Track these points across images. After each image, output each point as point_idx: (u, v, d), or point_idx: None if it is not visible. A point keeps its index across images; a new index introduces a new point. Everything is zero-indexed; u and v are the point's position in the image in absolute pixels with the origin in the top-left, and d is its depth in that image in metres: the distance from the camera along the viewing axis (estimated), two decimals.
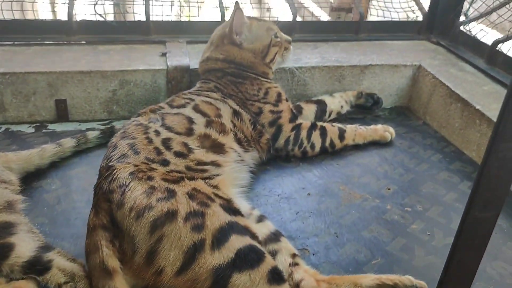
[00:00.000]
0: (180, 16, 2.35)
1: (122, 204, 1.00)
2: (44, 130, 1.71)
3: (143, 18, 2.01)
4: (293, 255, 1.10)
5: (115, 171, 1.08)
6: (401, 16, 2.36)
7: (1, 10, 1.90)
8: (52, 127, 1.74)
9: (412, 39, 2.22)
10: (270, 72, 1.68)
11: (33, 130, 1.71)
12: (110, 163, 1.14)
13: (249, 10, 2.57)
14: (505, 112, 0.50)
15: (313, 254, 1.18)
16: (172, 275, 0.94)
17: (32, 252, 0.98)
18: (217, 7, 2.09)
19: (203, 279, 0.93)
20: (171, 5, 2.17)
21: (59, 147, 1.50)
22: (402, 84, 1.98)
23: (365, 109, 1.93)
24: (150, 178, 1.06)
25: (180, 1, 2.40)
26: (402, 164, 1.59)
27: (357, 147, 1.66)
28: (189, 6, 2.32)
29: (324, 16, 4.70)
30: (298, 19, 2.14)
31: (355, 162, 1.58)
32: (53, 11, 2.08)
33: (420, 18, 2.27)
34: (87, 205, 1.16)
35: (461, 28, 2.10)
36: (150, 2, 2.01)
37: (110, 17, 2.08)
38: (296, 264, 1.08)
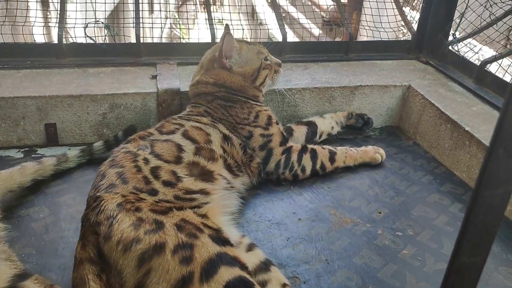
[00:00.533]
0: (171, 38, 2.35)
1: (110, 237, 0.99)
2: (33, 155, 1.70)
3: (134, 41, 2.02)
4: (284, 285, 1.09)
5: (102, 202, 1.07)
6: (391, 36, 2.38)
7: None
8: (41, 151, 1.72)
9: (401, 59, 2.24)
10: (260, 95, 1.68)
11: (22, 155, 1.69)
12: (98, 193, 1.13)
13: (239, 29, 2.58)
14: (490, 159, 0.50)
15: (304, 283, 1.17)
16: None
17: (6, 282, 0.96)
18: (207, 28, 2.10)
19: None
20: (161, 28, 2.18)
21: (40, 164, 1.51)
22: (392, 104, 1.99)
23: (356, 129, 1.94)
24: (138, 209, 1.05)
25: (170, 24, 2.41)
26: (393, 186, 1.59)
27: (348, 169, 1.66)
28: (180, 28, 2.33)
29: (316, 31, 4.74)
30: (289, 39, 2.15)
31: (345, 185, 1.58)
32: (46, 34, 2.07)
33: (410, 38, 2.29)
34: (75, 234, 1.14)
35: (450, 48, 2.12)
36: (140, 25, 2.02)
37: (100, 40, 2.08)
38: None
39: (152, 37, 2.06)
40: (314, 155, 1.59)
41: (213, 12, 2.24)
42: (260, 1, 6.17)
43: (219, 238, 1.06)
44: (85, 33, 1.97)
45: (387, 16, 2.37)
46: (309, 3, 5.30)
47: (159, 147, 1.31)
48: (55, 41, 1.97)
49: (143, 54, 2.04)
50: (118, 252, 0.97)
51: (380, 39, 2.27)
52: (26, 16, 2.02)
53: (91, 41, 1.99)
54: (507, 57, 1.88)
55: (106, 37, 2.12)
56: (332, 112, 1.91)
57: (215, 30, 2.08)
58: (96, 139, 1.79)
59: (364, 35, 2.47)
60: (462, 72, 2.04)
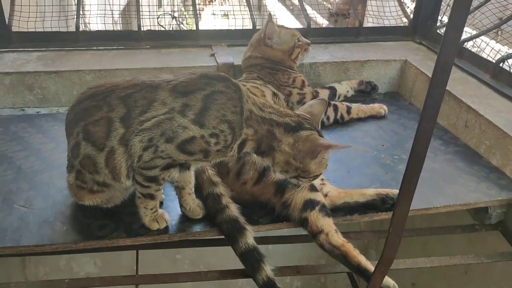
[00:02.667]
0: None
1: None
2: None
3: (193, 28, 2.63)
4: (322, 179, 1.71)
5: None
6: (392, 22, 2.98)
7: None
8: None
9: (400, 40, 2.84)
10: (295, 66, 2.29)
11: None
12: None
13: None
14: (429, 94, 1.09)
15: (333, 182, 1.79)
16: (251, 185, 1.55)
17: None
18: (249, 18, 2.71)
19: (270, 187, 1.54)
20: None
21: None
22: (392, 74, 2.60)
23: (365, 93, 2.54)
24: None
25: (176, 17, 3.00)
26: (393, 130, 2.20)
27: (360, 120, 2.26)
28: (187, 22, 2.93)
29: (323, 21, 5.31)
30: (312, 26, 2.76)
31: (358, 129, 2.19)
32: (128, 24, 2.70)
33: (407, 24, 2.89)
34: None
35: (438, 31, 2.72)
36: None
37: (168, 28, 2.70)
38: (324, 184, 1.69)
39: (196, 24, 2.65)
40: (335, 108, 2.21)
41: (219, 5, 2.84)
42: None
43: None
44: (158, 22, 2.59)
45: (389, 6, 2.97)
46: None
47: None
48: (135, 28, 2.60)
49: (200, 38, 2.65)
50: None
51: (383, 25, 2.87)
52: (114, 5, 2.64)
53: (162, 29, 2.61)
54: (482, 36, 2.48)
55: (172, 26, 2.74)
56: (347, 80, 2.52)
57: (255, 19, 2.69)
58: None
59: (370, 23, 3.06)
60: None
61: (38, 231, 1.44)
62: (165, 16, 2.60)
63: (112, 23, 2.88)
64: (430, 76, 2.42)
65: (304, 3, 4.46)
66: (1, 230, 1.44)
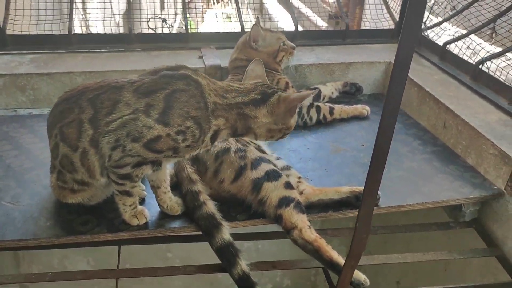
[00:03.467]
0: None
1: None
2: None
3: (183, 31, 2.70)
4: (299, 177, 1.77)
5: None
6: (385, 25, 3.03)
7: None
8: None
9: (386, 43, 2.89)
10: (279, 68, 2.35)
11: None
12: None
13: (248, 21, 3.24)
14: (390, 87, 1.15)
15: (311, 181, 1.84)
16: (229, 183, 1.62)
17: None
18: (237, 21, 2.77)
19: (247, 185, 1.60)
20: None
21: None
22: (377, 76, 2.65)
23: (350, 95, 2.60)
24: None
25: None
26: (374, 130, 2.21)
27: (343, 120, 2.32)
28: (190, 24, 3.00)
29: (322, 24, 5.37)
30: (299, 28, 2.82)
31: (341, 129, 2.25)
32: (119, 27, 2.77)
33: (393, 26, 2.95)
34: None
35: (422, 33, 2.78)
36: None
37: (158, 31, 2.76)
38: (300, 182, 1.75)
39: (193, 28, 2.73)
40: (318, 109, 2.26)
41: (222, 8, 2.91)
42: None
43: (260, 149, 1.74)
44: (148, 25, 2.66)
45: (382, 9, 3.03)
46: None
47: None
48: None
49: (190, 41, 2.72)
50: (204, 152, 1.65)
51: (370, 28, 2.93)
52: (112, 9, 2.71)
53: (152, 31, 2.68)
54: (463, 39, 2.53)
55: (162, 28, 2.80)
56: (333, 82, 2.58)
57: (243, 22, 2.76)
58: None
59: (367, 26, 3.12)
60: (430, 51, 2.69)
61: (23, 226, 1.51)
62: (161, 20, 2.66)
63: (115, 26, 2.96)
64: (411, 77, 2.50)
65: (305, 6, 4.50)
66: None
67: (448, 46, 2.57)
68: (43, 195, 1.66)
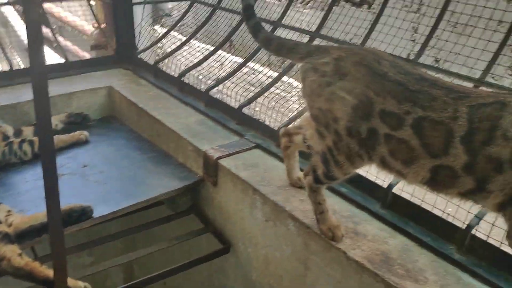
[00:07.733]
0: None
1: None
2: None
3: None
4: (8, 211, 1.80)
5: None
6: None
7: None
8: None
9: (109, 69, 3.10)
10: None
11: None
12: None
13: None
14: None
15: (29, 211, 1.90)
16: None
17: None
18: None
19: None
20: None
21: None
22: (102, 101, 2.83)
23: (78, 124, 2.70)
24: None
25: None
26: (100, 151, 2.42)
27: (63, 149, 2.40)
28: None
29: (83, 54, 5.41)
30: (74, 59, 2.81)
31: (62, 156, 2.33)
32: None
33: (113, 53, 3.19)
34: None
35: (138, 56, 3.08)
36: None
37: None
38: (10, 215, 1.79)
39: None
40: (31, 143, 2.28)
41: None
42: None
43: None
44: None
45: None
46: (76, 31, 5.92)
47: None
48: None
49: None
50: None
51: (92, 57, 3.11)
52: None
53: None
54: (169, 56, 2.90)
55: None
56: (56, 114, 2.65)
57: None
58: None
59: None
60: (147, 71, 3.00)
61: None
62: None
63: None
64: (130, 98, 2.76)
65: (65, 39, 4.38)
66: None
67: (160, 64, 2.92)
68: None
